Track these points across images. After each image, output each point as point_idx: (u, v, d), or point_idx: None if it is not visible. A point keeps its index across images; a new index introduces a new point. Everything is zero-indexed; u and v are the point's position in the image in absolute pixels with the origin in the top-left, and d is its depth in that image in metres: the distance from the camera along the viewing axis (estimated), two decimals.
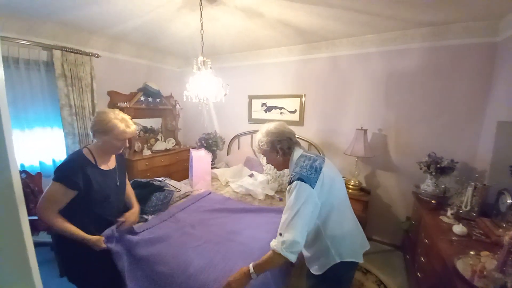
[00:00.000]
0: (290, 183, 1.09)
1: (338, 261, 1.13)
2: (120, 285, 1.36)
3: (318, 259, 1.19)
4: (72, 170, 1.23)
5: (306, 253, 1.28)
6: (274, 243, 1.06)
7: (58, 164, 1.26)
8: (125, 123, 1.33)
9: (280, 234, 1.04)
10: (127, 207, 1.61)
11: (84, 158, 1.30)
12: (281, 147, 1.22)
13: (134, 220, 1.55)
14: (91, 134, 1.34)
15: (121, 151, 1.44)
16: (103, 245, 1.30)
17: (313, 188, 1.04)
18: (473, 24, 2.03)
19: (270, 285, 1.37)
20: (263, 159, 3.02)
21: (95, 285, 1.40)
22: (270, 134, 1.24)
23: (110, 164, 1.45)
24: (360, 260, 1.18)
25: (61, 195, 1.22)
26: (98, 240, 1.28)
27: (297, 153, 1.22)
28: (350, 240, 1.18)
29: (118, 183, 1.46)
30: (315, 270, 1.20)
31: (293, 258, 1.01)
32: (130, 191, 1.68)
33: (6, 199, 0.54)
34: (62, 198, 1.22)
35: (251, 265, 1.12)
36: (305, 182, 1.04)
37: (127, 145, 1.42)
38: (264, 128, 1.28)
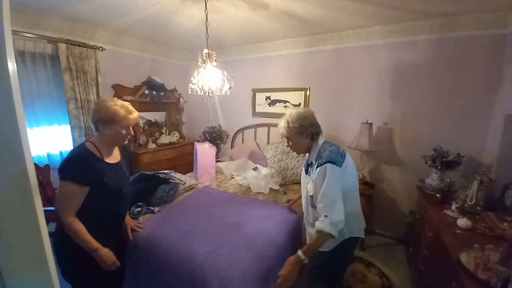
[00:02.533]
0: (320, 165, 1.19)
1: (348, 236, 1.28)
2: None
3: None
4: (79, 166, 1.15)
5: None
6: (322, 225, 1.15)
7: (62, 162, 1.17)
8: (125, 108, 1.25)
9: (326, 216, 1.15)
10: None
11: (89, 152, 1.21)
12: (311, 132, 1.29)
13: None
14: (93, 127, 1.26)
15: (126, 142, 1.32)
16: (116, 262, 1.25)
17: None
18: (483, 16, 1.98)
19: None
20: (267, 152, 3.03)
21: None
22: (302, 118, 1.28)
23: (116, 156, 1.37)
24: (363, 236, 1.36)
25: (74, 193, 1.14)
26: (108, 253, 1.22)
27: (321, 139, 1.33)
28: (360, 218, 1.35)
29: (127, 175, 1.43)
30: (324, 247, 1.30)
31: (337, 234, 1.16)
32: None
33: (22, 188, 0.56)
34: (76, 197, 1.15)
35: (299, 252, 1.20)
36: (336, 165, 1.17)
37: (132, 133, 1.32)
38: (294, 112, 1.31)
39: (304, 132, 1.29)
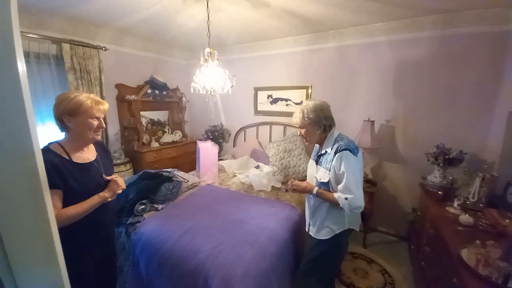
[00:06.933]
0: (338, 151, 1.25)
1: (347, 227, 1.36)
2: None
3: (331, 225, 1.37)
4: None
5: (322, 222, 1.41)
6: (342, 203, 1.23)
7: None
8: (91, 99, 1.15)
9: (346, 199, 1.22)
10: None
11: (52, 152, 1.10)
12: (324, 124, 1.34)
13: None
14: (58, 125, 1.15)
15: (99, 136, 1.23)
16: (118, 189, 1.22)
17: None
18: (485, 12, 1.96)
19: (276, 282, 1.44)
20: (269, 150, 3.04)
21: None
22: (318, 110, 1.33)
23: (90, 155, 1.24)
24: (358, 229, 1.43)
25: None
26: (107, 191, 1.20)
27: (336, 131, 1.39)
28: (359, 213, 1.39)
29: (105, 178, 1.25)
30: (323, 235, 1.39)
31: (349, 212, 1.26)
32: None
33: (32, 184, 0.58)
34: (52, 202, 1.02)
35: (316, 189, 1.34)
36: (353, 154, 1.24)
37: (103, 125, 1.22)
38: (311, 104, 1.35)
39: (317, 124, 1.33)
